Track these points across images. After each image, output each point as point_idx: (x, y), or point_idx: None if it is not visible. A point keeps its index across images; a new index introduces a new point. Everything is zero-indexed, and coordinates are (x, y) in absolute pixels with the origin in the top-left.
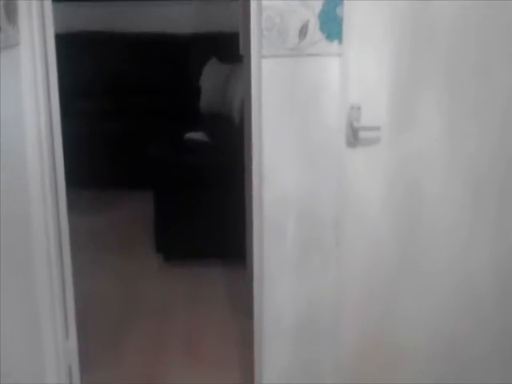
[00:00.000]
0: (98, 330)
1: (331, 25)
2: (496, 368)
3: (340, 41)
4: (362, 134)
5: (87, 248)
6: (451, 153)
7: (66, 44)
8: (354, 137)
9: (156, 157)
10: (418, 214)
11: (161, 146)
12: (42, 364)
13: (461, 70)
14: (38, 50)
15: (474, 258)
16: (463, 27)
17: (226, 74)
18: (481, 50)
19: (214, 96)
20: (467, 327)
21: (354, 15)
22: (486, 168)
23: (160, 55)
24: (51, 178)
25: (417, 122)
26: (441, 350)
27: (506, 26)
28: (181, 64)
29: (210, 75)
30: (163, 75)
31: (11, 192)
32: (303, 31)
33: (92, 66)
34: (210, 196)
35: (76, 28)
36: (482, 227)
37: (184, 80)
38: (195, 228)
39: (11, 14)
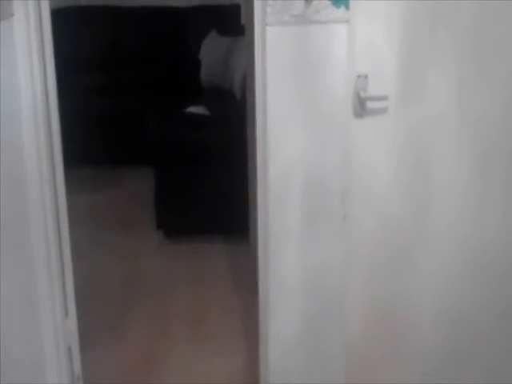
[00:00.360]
0: (99, 308)
1: None
2: (505, 344)
3: (347, 7)
4: (369, 104)
5: (87, 226)
6: (460, 122)
7: (62, 18)
8: (360, 107)
9: (156, 132)
10: (426, 185)
11: (160, 120)
12: (41, 343)
13: (470, 38)
14: (32, 21)
15: (485, 230)
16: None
17: (226, 47)
18: (491, 16)
19: (214, 69)
20: (476, 304)
21: None
22: (495, 136)
23: (159, 28)
24: (48, 153)
25: (425, 92)
26: (449, 325)
27: None
28: (180, 37)
29: (211, 48)
30: (163, 49)
31: (7, 168)
32: None
33: (90, 41)
34: (211, 171)
35: (73, 2)
36: (491, 198)
37: (184, 53)
38: (196, 204)
39: None
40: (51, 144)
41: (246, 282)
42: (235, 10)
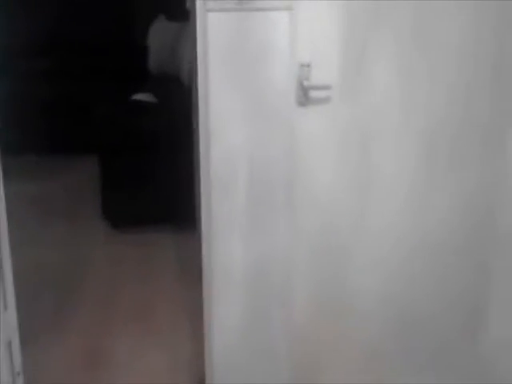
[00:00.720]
0: (41, 301)
1: None
2: (455, 325)
3: None
4: (313, 93)
5: (30, 216)
6: (402, 109)
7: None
8: (304, 96)
9: (101, 119)
10: (370, 173)
11: (106, 107)
12: None
13: (411, 26)
14: None
15: (429, 217)
16: None
17: (174, 33)
18: (429, 5)
19: (162, 56)
20: (419, 291)
21: None
22: (437, 123)
23: (107, 12)
24: None
25: (367, 80)
26: (397, 309)
27: None
28: (127, 22)
29: (158, 34)
30: (109, 34)
31: None
32: None
33: (33, 24)
34: (157, 159)
35: None
36: (435, 184)
37: (131, 39)
38: (143, 193)
39: None
40: None
41: (193, 272)
42: None
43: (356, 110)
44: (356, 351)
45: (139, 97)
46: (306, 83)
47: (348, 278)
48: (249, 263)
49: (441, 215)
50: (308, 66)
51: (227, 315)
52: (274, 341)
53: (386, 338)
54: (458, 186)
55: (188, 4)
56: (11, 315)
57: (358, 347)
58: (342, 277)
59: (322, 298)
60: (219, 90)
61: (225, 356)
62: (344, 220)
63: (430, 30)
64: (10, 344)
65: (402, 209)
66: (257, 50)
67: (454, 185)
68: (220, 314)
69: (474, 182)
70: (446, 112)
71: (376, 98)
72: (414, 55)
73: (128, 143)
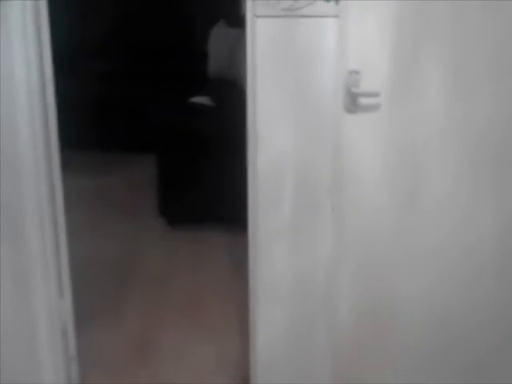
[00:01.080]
0: (97, 291)
1: None
2: (495, 339)
3: (336, 1)
4: (361, 100)
5: (89, 209)
6: (450, 118)
7: (69, 3)
8: (352, 103)
9: (160, 120)
10: (416, 182)
11: (165, 109)
12: (34, 326)
13: (460, 38)
14: (28, 4)
15: (475, 225)
16: None
17: (233, 38)
18: (483, 15)
19: (221, 60)
20: (467, 297)
21: None
22: (483, 133)
23: (168, 17)
24: (44, 136)
25: (416, 88)
26: (439, 320)
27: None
28: (188, 27)
29: (218, 39)
30: (170, 38)
31: (2, 149)
32: None
33: (100, 28)
34: (213, 160)
35: None
36: (481, 194)
37: (191, 44)
38: (198, 192)
39: None
40: (47, 127)
41: (243, 272)
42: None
43: (404, 117)
44: (398, 359)
45: (196, 100)
46: (354, 90)
47: (392, 287)
48: (294, 267)
49: (483, 225)
50: (357, 72)
51: (272, 318)
52: (317, 344)
53: (430, 348)
54: (502, 200)
55: (243, 10)
56: (67, 303)
57: (401, 355)
58: (387, 285)
59: (365, 305)
60: (267, 96)
61: (269, 357)
62: (389, 228)
63: (478, 39)
64: (65, 330)
65: (447, 218)
66: (304, 56)
67: (499, 193)
68: (265, 317)
69: None
70: (492, 121)
71: (424, 106)
72: (463, 64)
73: (184, 144)
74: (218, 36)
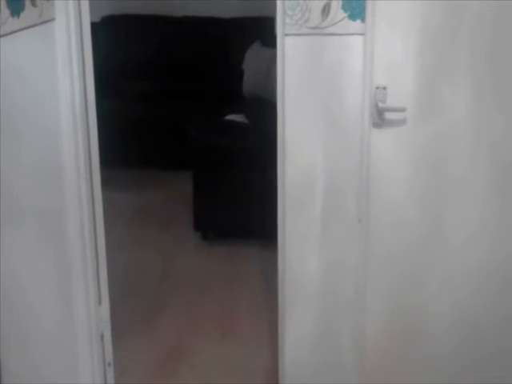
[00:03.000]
0: (133, 300)
1: (353, 3)
2: None
3: (363, 19)
4: (388, 115)
5: (128, 223)
6: (477, 135)
7: (112, 26)
8: (379, 117)
9: (196, 138)
10: (443, 197)
11: (201, 127)
12: (74, 330)
13: (486, 56)
14: (72, 26)
15: (504, 243)
16: (492, 11)
17: (268, 58)
18: (508, 29)
19: (256, 80)
20: (492, 314)
21: None
22: (510, 146)
23: (204, 38)
24: (85, 152)
25: (442, 104)
26: (464, 334)
27: None
28: (224, 47)
29: (253, 59)
30: (207, 58)
31: (46, 164)
32: (326, 10)
33: (137, 48)
34: (247, 177)
35: (122, 10)
36: (509, 209)
37: (227, 63)
38: (233, 208)
39: None
40: (89, 144)
41: (275, 285)
42: None
43: (432, 132)
44: (425, 365)
45: (231, 117)
46: (380, 105)
47: (420, 295)
48: (322, 276)
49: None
50: (384, 88)
51: (299, 327)
52: (344, 349)
53: (455, 360)
54: None
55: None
56: (105, 310)
57: (427, 364)
58: (414, 294)
59: (393, 314)
60: (295, 110)
61: (296, 366)
62: (417, 240)
63: (505, 55)
64: (102, 336)
65: (475, 232)
66: (332, 72)
67: None
68: (293, 326)
69: None
70: None
71: (450, 121)
72: (489, 80)
73: (219, 160)
74: (253, 56)
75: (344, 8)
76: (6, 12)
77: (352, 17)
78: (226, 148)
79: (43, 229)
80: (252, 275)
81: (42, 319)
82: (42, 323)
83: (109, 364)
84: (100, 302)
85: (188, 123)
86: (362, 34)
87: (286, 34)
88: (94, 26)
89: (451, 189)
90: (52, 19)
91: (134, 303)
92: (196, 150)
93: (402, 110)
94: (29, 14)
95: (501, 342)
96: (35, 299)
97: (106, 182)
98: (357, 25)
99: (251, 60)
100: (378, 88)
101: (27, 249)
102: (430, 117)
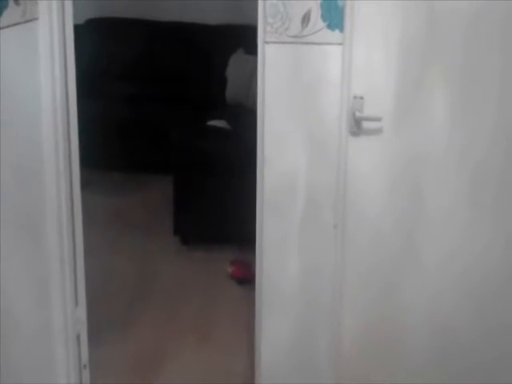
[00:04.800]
0: (112, 304)
1: (333, 14)
2: (497, 350)
3: (341, 30)
4: (365, 124)
5: (107, 226)
6: (452, 143)
7: (97, 28)
8: (356, 126)
9: (178, 142)
10: (417, 202)
11: (183, 132)
12: (50, 330)
13: (461, 65)
14: (55, 26)
15: (475, 243)
16: (466, 21)
17: (251, 65)
18: (481, 45)
19: (239, 86)
20: (466, 316)
21: (359, 5)
22: (482, 157)
23: (188, 44)
24: (65, 152)
25: (419, 114)
26: (442, 350)
27: (500, 21)
28: (208, 54)
29: (236, 66)
30: (190, 64)
31: (26, 163)
32: (305, 19)
33: (122, 51)
34: (228, 182)
35: (108, 13)
36: (480, 214)
37: (211, 69)
38: (213, 213)
39: None
40: (69, 144)
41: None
42: None
43: (407, 141)
44: (401, 369)
45: (214, 123)
46: (358, 114)
47: (395, 301)
48: (299, 281)
49: (484, 245)
50: (361, 97)
51: (276, 331)
52: (321, 355)
53: (432, 372)
54: (501, 224)
55: None
56: (81, 311)
57: (403, 365)
58: (390, 304)
59: (369, 323)
60: (275, 117)
61: (272, 370)
62: (393, 247)
63: (478, 65)
64: (78, 337)
65: (448, 237)
66: (311, 81)
67: (496, 222)
68: (269, 331)
69: None
70: (494, 147)
71: (427, 131)
72: (463, 90)
73: (200, 165)
74: (236, 63)
75: (323, 18)
76: None
77: (331, 27)
78: (207, 153)
79: (21, 229)
80: (231, 280)
81: (18, 318)
82: (19, 322)
83: (84, 366)
84: (77, 304)
85: (170, 127)
86: (341, 44)
87: (267, 42)
88: (78, 28)
89: (425, 195)
90: (35, 19)
91: (112, 306)
92: (177, 154)
93: (378, 119)
94: (12, 12)
95: (479, 355)
96: (12, 299)
97: (85, 184)
98: (335, 35)
99: (234, 67)
100: (355, 97)
101: (4, 249)
102: (406, 126)
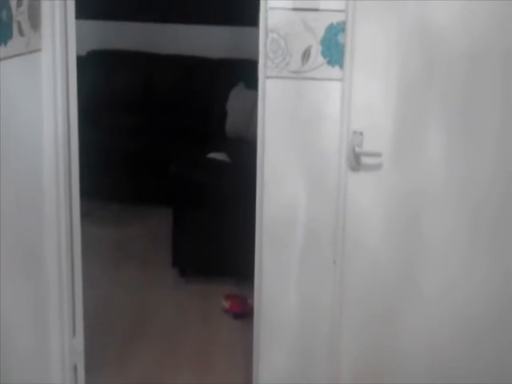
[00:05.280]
0: (109, 335)
1: (333, 50)
2: None
3: (341, 66)
4: (364, 159)
5: (107, 257)
6: (448, 179)
7: (99, 60)
8: (356, 161)
9: (177, 174)
10: (417, 239)
11: (183, 164)
12: (48, 360)
13: (459, 102)
14: (59, 57)
15: (472, 278)
16: (464, 62)
17: (251, 100)
18: (479, 82)
19: (239, 120)
20: (463, 347)
21: (359, 42)
22: (481, 193)
23: (190, 77)
24: (66, 185)
25: (418, 149)
26: (438, 371)
27: (500, 61)
28: (210, 87)
29: (237, 100)
30: (192, 96)
31: (26, 194)
32: (306, 55)
33: (123, 83)
34: (226, 215)
35: (110, 45)
36: (478, 252)
37: (212, 102)
38: (212, 246)
39: (34, 19)
40: (70, 174)
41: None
42: None
43: (406, 177)
44: None
45: (214, 155)
46: (357, 149)
47: (394, 338)
48: (298, 316)
49: (481, 281)
50: (361, 133)
51: (274, 364)
52: None
53: None
54: (498, 259)
55: None
56: (79, 342)
57: None
58: (388, 335)
59: (367, 354)
60: (274, 151)
61: None
62: (392, 281)
63: (479, 104)
64: (75, 368)
65: (445, 273)
66: (311, 116)
67: (493, 257)
68: (267, 364)
69: None
70: (490, 184)
71: (426, 167)
72: (461, 125)
73: (200, 197)
74: (236, 97)
75: (323, 54)
76: None
77: (331, 63)
78: (206, 185)
79: (21, 258)
80: (227, 314)
81: (16, 347)
82: (16, 351)
83: None
84: (74, 334)
85: (170, 159)
86: (340, 80)
87: (267, 77)
88: (80, 59)
89: (423, 230)
90: (39, 49)
91: (109, 337)
92: (177, 186)
93: (378, 154)
94: (16, 42)
95: (471, 376)
96: (10, 328)
97: (85, 214)
98: (335, 71)
99: (235, 101)
100: (355, 133)
101: (4, 278)
102: (406, 162)
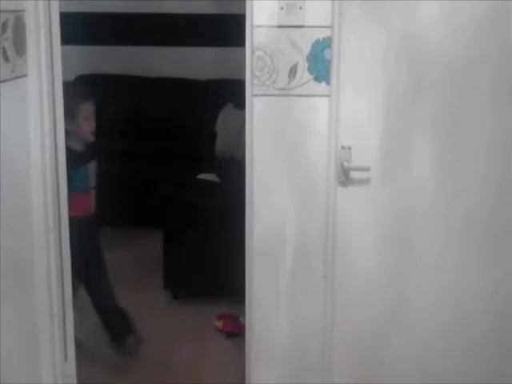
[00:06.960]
0: (101, 359)
1: (319, 66)
2: None
3: (327, 82)
4: (353, 174)
5: None
6: (439, 193)
7: (89, 84)
8: (344, 176)
9: (168, 196)
10: (407, 252)
11: (173, 186)
12: (40, 382)
13: (448, 116)
14: (45, 83)
15: (463, 291)
16: (452, 76)
17: (240, 120)
18: (468, 96)
19: (229, 140)
20: (455, 363)
21: (345, 58)
22: (471, 207)
23: (178, 99)
24: (54, 209)
25: (406, 164)
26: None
27: (489, 76)
28: (198, 108)
29: (226, 120)
30: (181, 118)
31: (16, 216)
32: (292, 72)
33: (113, 107)
34: (218, 235)
35: (99, 70)
36: (469, 262)
37: (200, 124)
38: (203, 266)
39: (19, 45)
40: (58, 198)
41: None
42: None
43: (395, 191)
44: None
45: (203, 176)
46: (346, 164)
47: (385, 355)
48: (289, 334)
49: (472, 294)
50: (349, 148)
51: (266, 380)
52: None
53: None
54: (489, 271)
55: None
56: (71, 366)
57: None
58: (380, 353)
59: (359, 371)
60: (263, 168)
61: None
62: (383, 296)
63: (468, 118)
64: None
65: (436, 285)
66: (299, 132)
67: (487, 263)
68: (259, 379)
69: (505, 268)
70: (480, 198)
71: (414, 181)
72: (450, 139)
73: (190, 219)
74: (225, 117)
75: (310, 70)
76: None
77: (318, 79)
78: (197, 206)
79: (10, 282)
80: (221, 334)
81: (7, 372)
82: (7, 376)
83: None
84: (66, 358)
85: (160, 181)
86: (328, 96)
87: (254, 95)
88: (67, 84)
89: (413, 244)
90: (24, 75)
91: (101, 362)
92: (167, 208)
93: (367, 169)
94: (1, 69)
95: None
96: (1, 353)
97: None
98: (322, 87)
99: (224, 121)
100: (343, 148)
101: None
102: (394, 176)
